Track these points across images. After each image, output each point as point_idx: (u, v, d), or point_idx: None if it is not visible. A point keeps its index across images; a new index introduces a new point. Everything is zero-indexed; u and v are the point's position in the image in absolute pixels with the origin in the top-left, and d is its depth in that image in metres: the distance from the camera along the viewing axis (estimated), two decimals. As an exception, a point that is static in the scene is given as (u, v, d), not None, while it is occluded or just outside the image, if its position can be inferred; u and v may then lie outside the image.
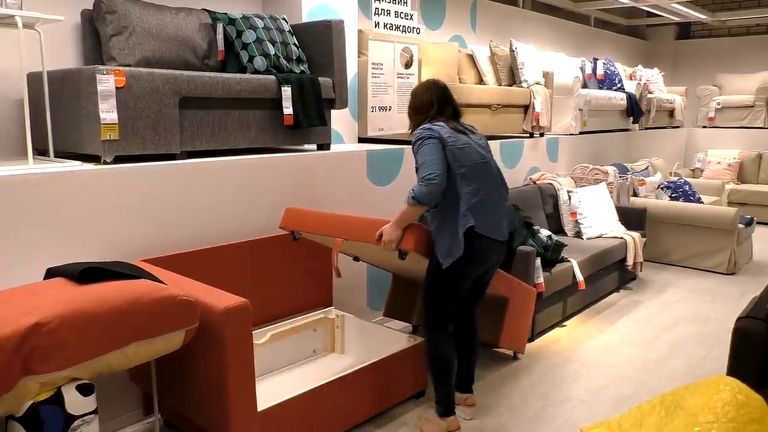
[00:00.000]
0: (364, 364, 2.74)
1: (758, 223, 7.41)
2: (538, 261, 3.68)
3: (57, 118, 2.80)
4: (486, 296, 3.01)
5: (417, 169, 2.56)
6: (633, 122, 7.20)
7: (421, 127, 2.66)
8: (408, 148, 4.05)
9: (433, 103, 2.71)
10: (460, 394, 2.91)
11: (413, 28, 4.23)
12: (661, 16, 8.59)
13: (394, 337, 3.16)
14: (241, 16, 3.28)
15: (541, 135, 5.55)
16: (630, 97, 6.89)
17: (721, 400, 1.99)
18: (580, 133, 6.11)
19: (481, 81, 5.24)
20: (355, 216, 2.77)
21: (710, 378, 2.14)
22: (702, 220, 5.37)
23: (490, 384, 3.25)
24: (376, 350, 3.13)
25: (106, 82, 2.57)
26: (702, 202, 5.90)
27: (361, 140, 4.34)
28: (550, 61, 6.09)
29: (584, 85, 6.43)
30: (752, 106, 8.23)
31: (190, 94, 2.87)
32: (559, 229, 5.00)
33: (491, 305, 3.23)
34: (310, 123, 3.35)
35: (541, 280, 3.69)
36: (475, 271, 2.65)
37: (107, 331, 1.89)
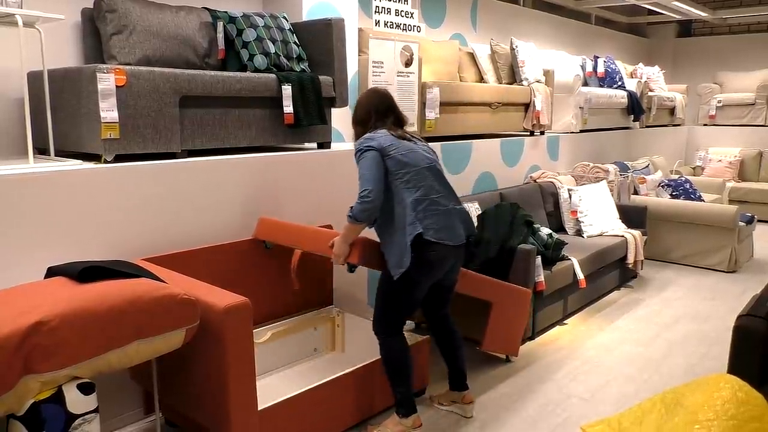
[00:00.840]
0: (365, 363, 2.74)
1: (759, 221, 7.41)
2: (539, 259, 3.69)
3: (57, 117, 2.80)
4: (471, 299, 3.02)
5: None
6: (634, 120, 7.19)
7: (361, 137, 2.61)
8: (408, 146, 4.05)
9: (371, 113, 2.65)
10: (457, 393, 2.92)
11: (414, 26, 4.23)
12: (662, 13, 8.58)
13: (370, 344, 3.16)
14: (242, 14, 3.28)
15: (542, 133, 5.55)
16: (631, 95, 6.89)
17: (722, 398, 1.99)
18: (581, 131, 6.11)
19: (481, 79, 5.24)
20: (315, 228, 2.82)
21: (710, 376, 2.14)
22: (703, 218, 5.37)
23: (491, 382, 3.25)
24: (377, 348, 3.12)
25: (107, 80, 2.57)
26: (703, 200, 5.90)
27: (362, 139, 4.34)
28: (551, 59, 6.09)
29: (585, 83, 6.42)
30: (753, 104, 8.22)
31: (190, 93, 2.87)
32: (559, 228, 5.00)
33: (480, 307, 3.23)
34: (311, 122, 3.35)
35: (542, 278, 3.69)
36: (428, 279, 2.57)
37: (108, 329, 1.89)
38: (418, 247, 2.47)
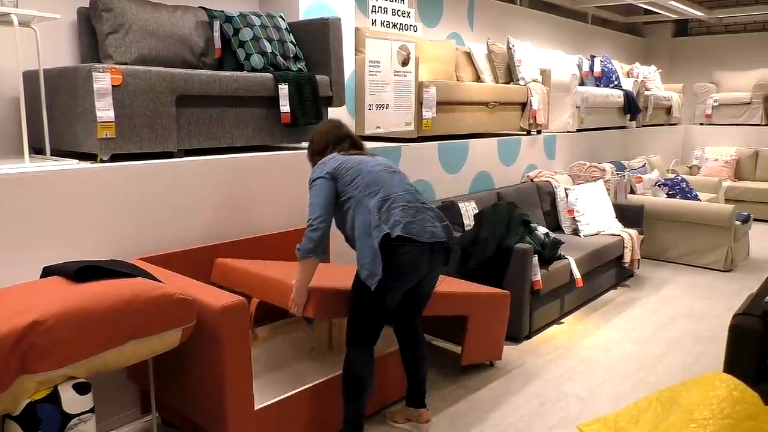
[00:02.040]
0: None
1: (755, 220, 7.43)
2: (536, 258, 3.69)
3: (53, 116, 2.80)
4: (446, 317, 2.91)
5: None
6: (630, 120, 7.20)
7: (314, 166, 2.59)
8: (405, 145, 4.05)
9: (328, 143, 2.64)
10: (413, 410, 2.76)
11: (410, 25, 4.23)
12: (659, 13, 8.60)
13: (390, 335, 3.16)
14: (238, 13, 3.28)
15: (539, 132, 5.56)
16: (627, 95, 6.90)
17: (717, 397, 1.99)
18: (578, 130, 6.12)
19: (478, 78, 5.25)
20: (275, 278, 2.62)
21: (706, 374, 2.15)
22: (699, 217, 5.38)
23: (487, 381, 3.25)
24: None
25: (103, 80, 2.57)
26: (699, 200, 5.91)
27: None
28: (548, 59, 6.09)
29: (581, 83, 6.43)
30: (749, 103, 8.24)
31: (187, 92, 2.87)
32: (556, 227, 5.01)
33: (456, 321, 3.20)
34: (308, 121, 3.35)
35: (539, 277, 3.69)
36: (402, 284, 2.42)
37: (104, 329, 1.89)
38: (388, 251, 2.32)
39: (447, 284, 3.18)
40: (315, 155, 2.68)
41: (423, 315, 2.76)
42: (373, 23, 4.02)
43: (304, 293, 2.44)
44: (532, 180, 5.21)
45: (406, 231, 2.34)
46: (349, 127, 2.74)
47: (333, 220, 2.51)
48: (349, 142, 2.67)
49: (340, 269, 3.08)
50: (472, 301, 3.13)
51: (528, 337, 3.83)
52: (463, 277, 3.60)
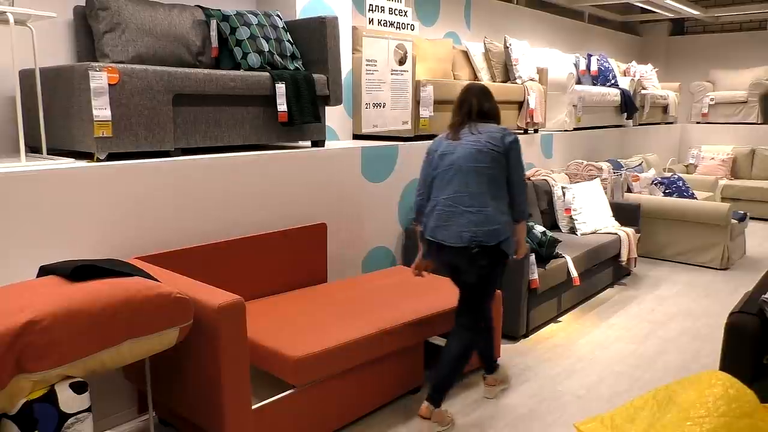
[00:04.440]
0: (360, 361, 2.74)
1: (751, 218, 7.45)
2: (533, 257, 3.70)
3: (50, 115, 2.79)
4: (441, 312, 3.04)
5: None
6: (627, 118, 7.22)
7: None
8: (402, 144, 4.05)
9: (455, 111, 2.86)
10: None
11: (407, 24, 4.23)
12: (655, 12, 8.61)
13: None
14: (235, 12, 3.27)
15: (536, 131, 5.56)
16: (624, 93, 6.91)
17: (713, 395, 2.00)
18: (575, 129, 6.13)
19: (475, 77, 5.25)
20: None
21: (702, 373, 2.16)
22: (695, 216, 5.40)
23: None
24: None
25: (99, 79, 2.56)
26: (695, 198, 5.93)
27: (356, 137, 4.34)
28: (544, 58, 6.10)
29: (578, 82, 6.44)
30: (745, 102, 8.26)
31: (183, 91, 2.86)
32: (553, 225, 5.02)
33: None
34: (305, 120, 3.35)
35: (536, 276, 3.70)
36: (440, 263, 2.80)
37: (101, 329, 1.89)
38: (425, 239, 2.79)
39: (433, 295, 3.19)
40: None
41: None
42: (370, 22, 4.02)
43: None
44: (529, 179, 5.21)
45: (433, 236, 2.70)
46: (471, 90, 2.85)
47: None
48: (467, 108, 2.80)
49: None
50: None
51: (525, 336, 3.83)
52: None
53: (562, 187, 5.05)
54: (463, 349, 2.72)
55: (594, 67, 6.75)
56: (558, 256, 4.09)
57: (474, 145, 2.66)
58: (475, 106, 2.77)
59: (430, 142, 2.86)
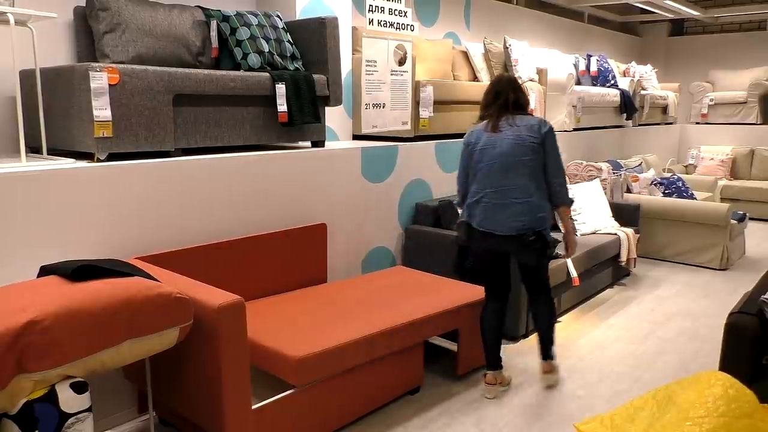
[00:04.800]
0: (360, 362, 2.74)
1: (750, 218, 7.46)
2: (532, 257, 3.69)
3: (50, 115, 2.79)
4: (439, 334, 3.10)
5: None
6: (626, 119, 7.22)
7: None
8: (402, 145, 4.06)
9: (486, 103, 3.01)
10: (541, 363, 3.21)
11: (407, 25, 4.23)
12: (655, 12, 8.62)
13: None
14: (235, 13, 3.27)
15: (535, 132, 5.55)
16: (623, 94, 6.91)
17: (713, 395, 2.00)
18: (574, 129, 6.13)
19: (475, 78, 5.25)
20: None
21: (702, 373, 2.16)
22: (695, 216, 5.40)
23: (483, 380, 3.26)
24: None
25: (99, 79, 2.56)
26: (695, 198, 5.93)
27: (356, 137, 4.34)
28: (544, 58, 6.10)
29: (578, 82, 6.45)
30: (745, 103, 8.27)
31: (184, 92, 2.87)
32: (553, 226, 5.00)
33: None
34: (305, 120, 3.35)
35: (535, 276, 3.70)
36: (479, 255, 3.04)
37: (101, 328, 1.89)
38: (467, 228, 3.01)
39: (433, 295, 3.20)
40: (480, 110, 3.08)
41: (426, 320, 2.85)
42: (369, 22, 4.02)
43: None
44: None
45: (480, 225, 2.93)
46: (504, 81, 3.00)
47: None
48: (503, 100, 2.95)
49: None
50: (460, 314, 3.13)
51: (525, 336, 3.83)
52: (461, 275, 3.61)
53: (562, 188, 5.04)
54: (550, 310, 3.11)
55: (593, 68, 6.75)
56: (558, 256, 4.09)
57: (515, 139, 2.86)
58: (511, 98, 2.94)
59: (465, 134, 3.02)
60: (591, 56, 6.80)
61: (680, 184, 6.07)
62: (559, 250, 4.16)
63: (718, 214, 5.29)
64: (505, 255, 3.05)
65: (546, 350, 3.16)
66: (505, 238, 2.89)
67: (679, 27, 9.75)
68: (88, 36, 3.05)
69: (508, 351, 3.62)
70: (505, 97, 2.93)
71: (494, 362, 3.09)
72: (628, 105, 6.96)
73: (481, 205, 2.90)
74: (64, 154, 2.83)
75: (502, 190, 2.86)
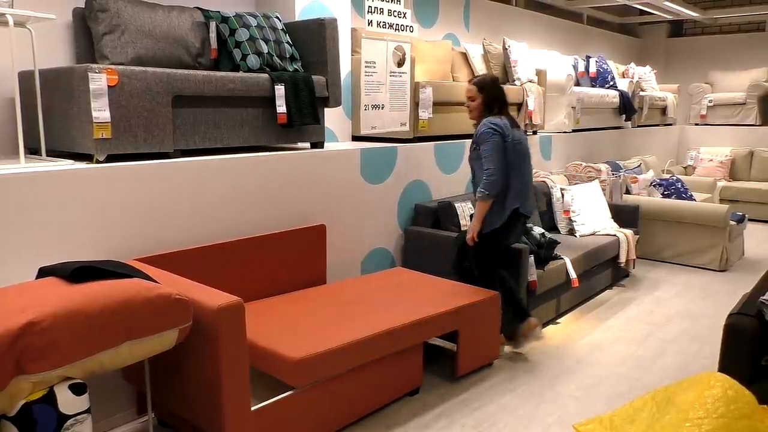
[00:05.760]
0: (359, 363, 2.74)
1: (750, 219, 7.46)
2: (532, 258, 3.70)
3: (49, 116, 2.79)
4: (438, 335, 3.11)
5: (481, 158, 3.29)
6: (626, 120, 7.23)
7: (486, 119, 3.31)
8: (401, 146, 4.06)
9: (492, 102, 3.38)
10: (518, 326, 3.52)
11: (406, 26, 4.24)
12: (654, 14, 8.63)
13: None
14: (234, 14, 3.27)
15: (534, 133, 5.57)
16: (622, 95, 6.92)
17: (712, 396, 2.00)
18: (573, 130, 6.13)
19: (474, 79, 5.25)
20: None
21: (701, 374, 2.16)
22: (694, 218, 5.40)
23: (484, 380, 3.26)
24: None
25: (99, 80, 2.56)
26: (694, 200, 5.94)
27: (355, 138, 4.34)
28: (543, 59, 6.11)
29: (577, 83, 6.45)
30: (744, 104, 8.27)
31: (183, 93, 2.87)
32: (552, 227, 5.02)
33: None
34: (304, 121, 3.35)
35: (535, 277, 3.70)
36: (516, 231, 3.49)
37: (100, 330, 1.89)
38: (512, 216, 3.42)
39: (432, 296, 3.20)
40: (485, 106, 3.42)
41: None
42: (369, 24, 4.02)
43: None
44: (528, 180, 5.21)
45: (525, 210, 3.42)
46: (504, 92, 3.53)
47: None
48: (501, 102, 3.44)
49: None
50: (459, 315, 3.13)
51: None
52: (460, 276, 3.61)
53: (561, 189, 5.05)
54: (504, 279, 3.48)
55: (593, 69, 6.76)
56: (557, 257, 4.09)
57: (525, 137, 3.41)
58: (507, 99, 3.47)
59: (495, 125, 3.26)
60: (590, 57, 6.80)
61: (679, 185, 6.07)
62: (559, 251, 4.17)
63: (717, 216, 5.29)
64: None
65: (519, 313, 3.49)
66: (528, 219, 3.51)
67: (678, 28, 9.76)
68: (87, 37, 3.05)
69: (505, 351, 3.62)
70: (506, 97, 3.45)
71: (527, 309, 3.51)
72: (627, 106, 6.97)
73: (522, 193, 3.36)
74: (63, 156, 2.83)
75: (530, 179, 3.43)
